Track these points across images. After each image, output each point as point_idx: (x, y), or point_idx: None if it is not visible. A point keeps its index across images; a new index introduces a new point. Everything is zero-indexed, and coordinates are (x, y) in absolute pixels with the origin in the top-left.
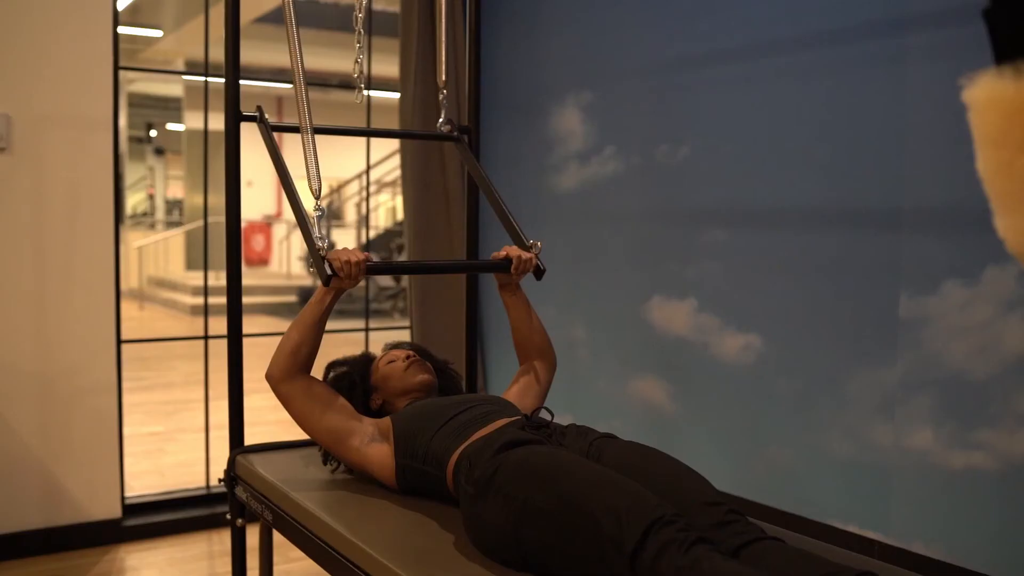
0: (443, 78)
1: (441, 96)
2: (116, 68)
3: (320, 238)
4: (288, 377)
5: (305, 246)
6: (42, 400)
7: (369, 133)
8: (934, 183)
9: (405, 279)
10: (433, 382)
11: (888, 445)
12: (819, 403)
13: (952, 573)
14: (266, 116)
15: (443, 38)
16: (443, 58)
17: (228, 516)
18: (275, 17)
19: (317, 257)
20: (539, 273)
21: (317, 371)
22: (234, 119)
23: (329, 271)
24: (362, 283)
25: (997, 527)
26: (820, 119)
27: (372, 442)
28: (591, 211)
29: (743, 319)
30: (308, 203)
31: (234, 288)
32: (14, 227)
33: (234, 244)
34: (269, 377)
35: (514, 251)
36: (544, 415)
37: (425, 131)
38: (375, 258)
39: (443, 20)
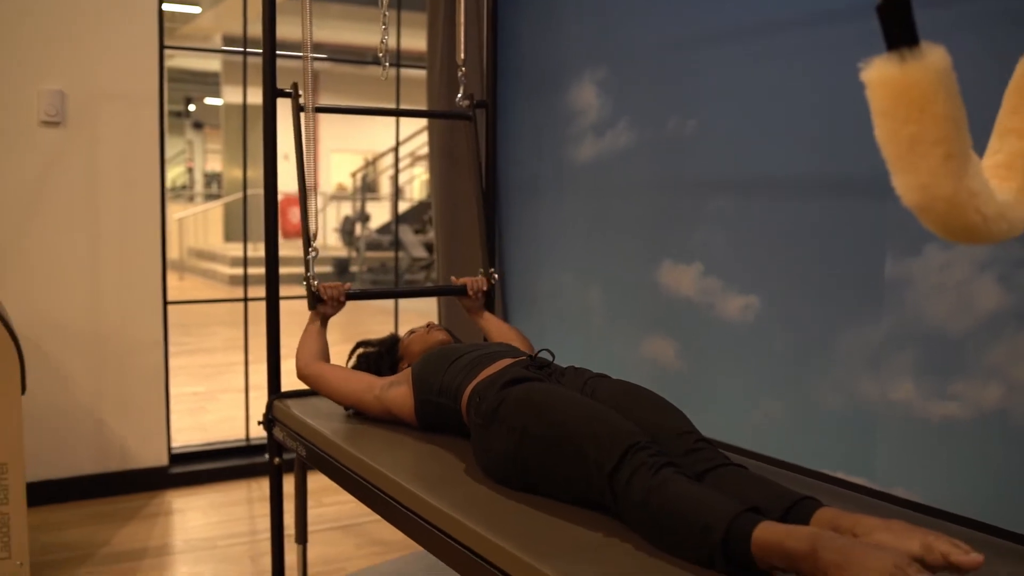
0: (462, 56)
1: (460, 73)
2: (161, 46)
3: (312, 276)
4: (309, 364)
5: (340, 218)
6: (96, 357)
7: (383, 112)
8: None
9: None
10: (451, 340)
11: (874, 397)
12: (811, 359)
13: (929, 513)
14: (300, 93)
15: (462, 18)
16: (462, 36)
17: (267, 456)
18: None
19: (309, 289)
20: (488, 296)
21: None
22: (271, 95)
23: (316, 300)
24: (391, 254)
25: (969, 471)
26: (814, 95)
27: (392, 387)
28: (606, 181)
29: (744, 281)
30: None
31: (271, 251)
32: (69, 197)
33: (271, 209)
34: (298, 371)
35: (466, 280)
36: (545, 356)
37: (448, 106)
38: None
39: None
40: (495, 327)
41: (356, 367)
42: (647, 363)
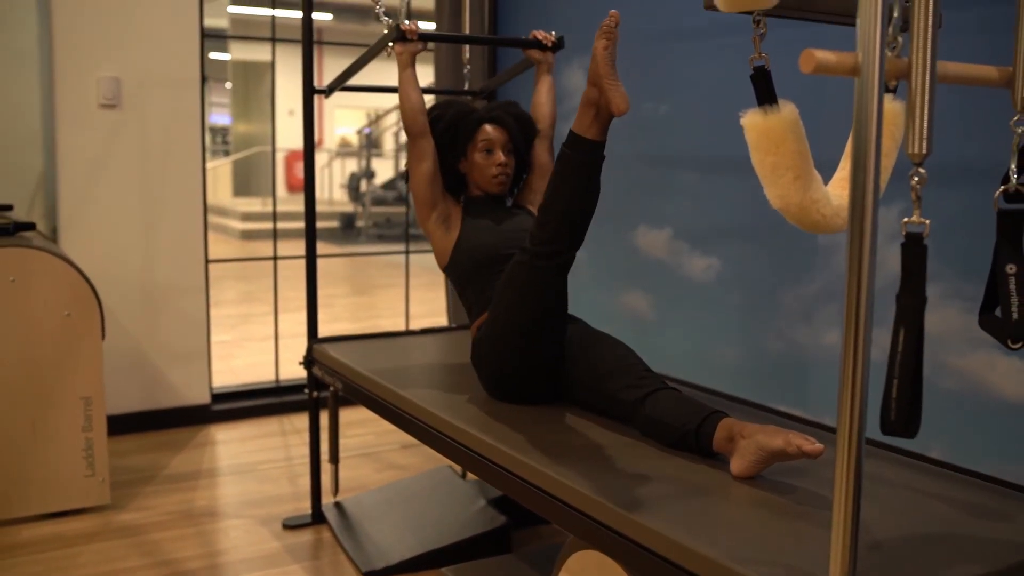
0: (467, 56)
1: (465, 70)
2: (202, 35)
3: (389, 21)
4: (419, 131)
5: (346, 174)
6: (147, 307)
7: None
8: (843, 143)
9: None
10: (503, 194)
11: (808, 343)
12: (760, 311)
13: None
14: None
15: (467, 16)
16: (467, 31)
17: (306, 391)
18: None
19: (391, 28)
20: (559, 45)
21: None
22: (309, 92)
23: (401, 37)
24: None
25: (878, 404)
26: None
27: (438, 227)
28: None
29: (706, 245)
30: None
31: (310, 213)
32: (125, 170)
33: (310, 178)
34: (408, 129)
35: (539, 34)
36: None
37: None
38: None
39: (467, 10)
40: (545, 90)
41: (431, 121)
42: (625, 313)
